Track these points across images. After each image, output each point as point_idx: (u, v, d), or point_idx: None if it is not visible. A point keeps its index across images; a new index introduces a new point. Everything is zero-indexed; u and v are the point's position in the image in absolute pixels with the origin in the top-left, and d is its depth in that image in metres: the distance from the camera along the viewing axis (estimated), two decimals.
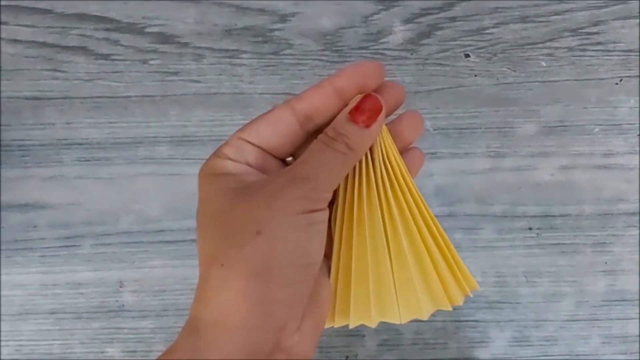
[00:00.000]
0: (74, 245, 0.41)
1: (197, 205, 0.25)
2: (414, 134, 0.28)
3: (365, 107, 0.25)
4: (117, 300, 0.41)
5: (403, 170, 0.27)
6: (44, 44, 0.44)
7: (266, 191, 0.24)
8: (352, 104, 0.26)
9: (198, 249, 0.25)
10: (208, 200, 0.25)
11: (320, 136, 0.26)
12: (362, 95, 0.26)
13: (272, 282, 0.23)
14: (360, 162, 0.26)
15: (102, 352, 0.40)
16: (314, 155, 0.25)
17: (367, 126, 0.25)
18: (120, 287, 0.41)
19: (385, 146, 0.27)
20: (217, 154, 0.26)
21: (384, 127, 0.27)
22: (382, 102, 0.26)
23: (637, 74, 0.43)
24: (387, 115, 0.27)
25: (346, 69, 0.26)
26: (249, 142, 0.26)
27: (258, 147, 0.26)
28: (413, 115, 0.28)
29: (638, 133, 0.42)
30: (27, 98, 0.43)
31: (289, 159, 0.27)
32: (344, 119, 0.25)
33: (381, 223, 0.27)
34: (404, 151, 0.28)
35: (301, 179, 0.24)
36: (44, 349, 0.41)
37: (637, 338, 0.40)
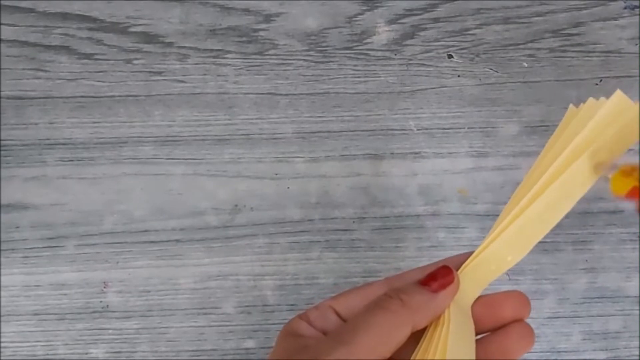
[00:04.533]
0: (57, 246, 0.41)
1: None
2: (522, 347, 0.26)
3: (439, 275, 0.25)
4: (101, 301, 0.41)
5: None
6: (26, 43, 0.43)
7: (307, 355, 0.23)
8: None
9: None
10: (274, 354, 0.24)
11: (376, 297, 0.24)
12: (440, 265, 0.25)
13: None
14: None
15: (86, 353, 0.40)
16: (359, 316, 0.24)
17: (434, 291, 0.24)
18: (105, 287, 0.41)
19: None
20: (301, 314, 0.25)
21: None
22: (457, 278, 0.25)
23: (617, 74, 0.44)
24: None
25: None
26: (336, 313, 0.25)
27: (343, 319, 0.25)
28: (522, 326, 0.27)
29: None
30: (9, 97, 0.43)
31: None
32: (412, 283, 0.25)
33: None
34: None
35: (337, 343, 0.22)
36: (27, 351, 0.40)
37: (617, 334, 0.40)
